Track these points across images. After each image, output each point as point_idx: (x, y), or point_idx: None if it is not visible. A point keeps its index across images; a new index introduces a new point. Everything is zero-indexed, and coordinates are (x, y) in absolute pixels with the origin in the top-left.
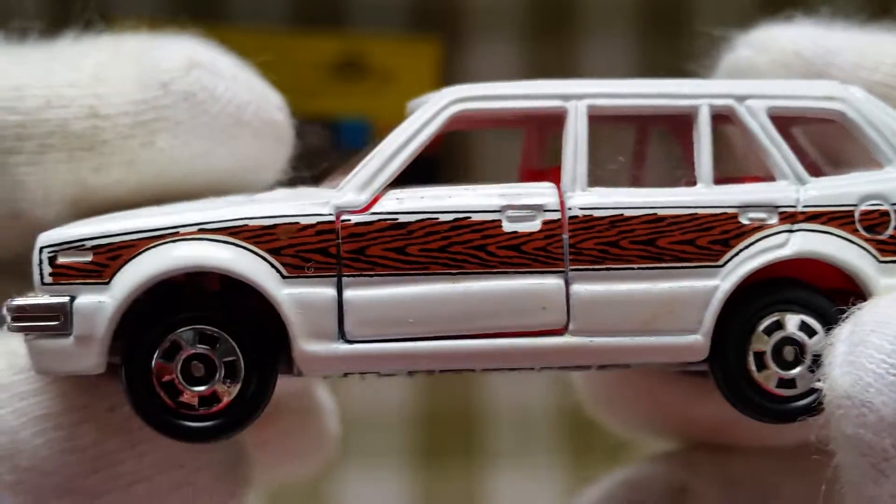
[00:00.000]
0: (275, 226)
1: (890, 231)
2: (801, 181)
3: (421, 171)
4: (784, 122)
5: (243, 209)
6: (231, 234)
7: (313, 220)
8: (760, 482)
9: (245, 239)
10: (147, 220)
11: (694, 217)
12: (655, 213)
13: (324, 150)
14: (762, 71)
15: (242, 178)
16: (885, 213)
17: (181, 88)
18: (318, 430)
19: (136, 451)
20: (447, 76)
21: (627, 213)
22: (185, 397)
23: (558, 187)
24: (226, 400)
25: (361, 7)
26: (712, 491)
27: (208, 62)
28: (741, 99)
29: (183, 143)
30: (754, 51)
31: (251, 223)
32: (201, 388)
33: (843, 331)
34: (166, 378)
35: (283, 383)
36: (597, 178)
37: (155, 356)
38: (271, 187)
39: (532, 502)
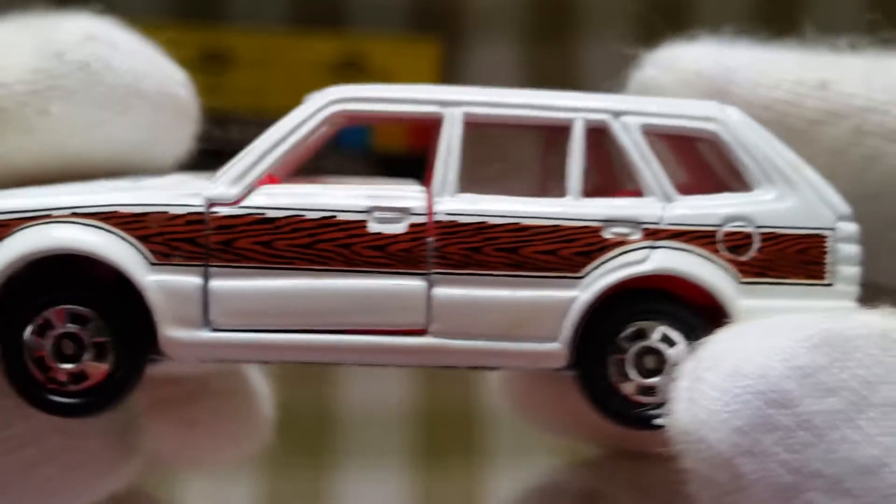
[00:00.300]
0: (145, 214)
1: (752, 253)
2: (668, 199)
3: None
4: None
5: (119, 195)
6: (102, 220)
7: (183, 211)
8: (673, 489)
9: (115, 224)
10: (22, 200)
11: (557, 228)
12: (519, 223)
13: (323, 149)
14: (667, 89)
15: (144, 151)
16: (748, 236)
17: (76, 58)
18: (250, 413)
19: (22, 413)
20: (447, 76)
21: (492, 220)
22: (54, 373)
23: (429, 191)
24: (94, 379)
25: (361, 7)
26: (624, 498)
27: (105, 35)
28: (616, 115)
29: (78, 111)
30: (659, 70)
31: (122, 210)
32: (70, 366)
33: (687, 366)
34: (38, 354)
35: (213, 365)
36: (481, 182)
37: (27, 332)
38: (165, 172)
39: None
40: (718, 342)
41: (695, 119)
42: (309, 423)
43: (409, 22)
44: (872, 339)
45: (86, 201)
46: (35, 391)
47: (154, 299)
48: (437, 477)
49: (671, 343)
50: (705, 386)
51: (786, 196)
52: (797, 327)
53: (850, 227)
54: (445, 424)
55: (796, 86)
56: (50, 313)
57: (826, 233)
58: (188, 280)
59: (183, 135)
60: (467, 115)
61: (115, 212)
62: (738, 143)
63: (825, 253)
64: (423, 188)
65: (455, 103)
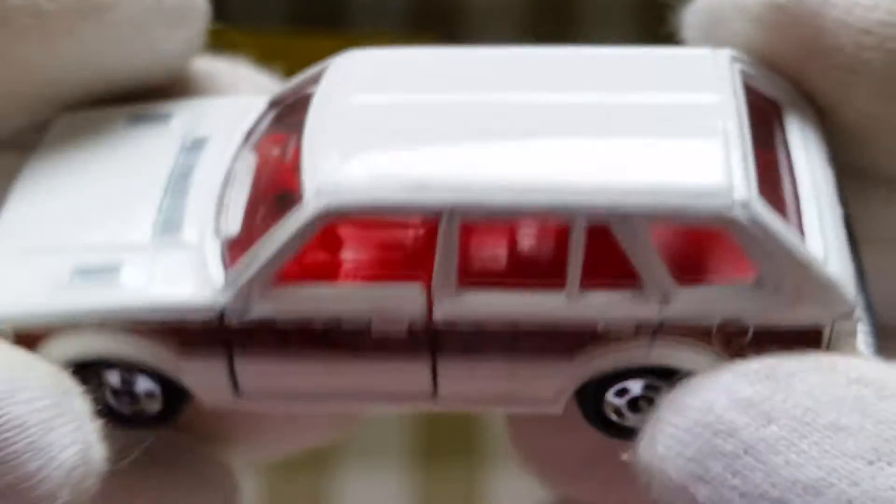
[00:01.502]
0: (163, 322)
1: (746, 345)
2: (666, 296)
3: None
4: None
5: (135, 298)
6: (127, 329)
7: (198, 318)
8: None
9: (140, 333)
10: (46, 307)
11: (554, 326)
12: (516, 326)
13: None
14: (753, 11)
15: (169, 64)
16: (744, 330)
17: None
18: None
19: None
20: None
21: (490, 326)
22: (121, 408)
23: (429, 292)
24: (151, 413)
25: (361, 7)
26: None
27: None
28: (621, 217)
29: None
30: None
31: (143, 318)
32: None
33: (654, 412)
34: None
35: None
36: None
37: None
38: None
39: (532, 502)
40: (680, 387)
41: (707, 211)
42: None
43: (410, 21)
44: (818, 371)
45: (108, 309)
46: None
47: (188, 383)
48: (437, 477)
49: (657, 388)
50: (662, 423)
51: (788, 290)
52: (744, 364)
53: (850, 324)
54: (445, 425)
55: None
56: (106, 377)
57: (825, 329)
58: (215, 366)
59: (197, 43)
60: (465, 219)
61: (137, 322)
62: (749, 236)
63: (820, 346)
64: (423, 289)
65: (451, 208)
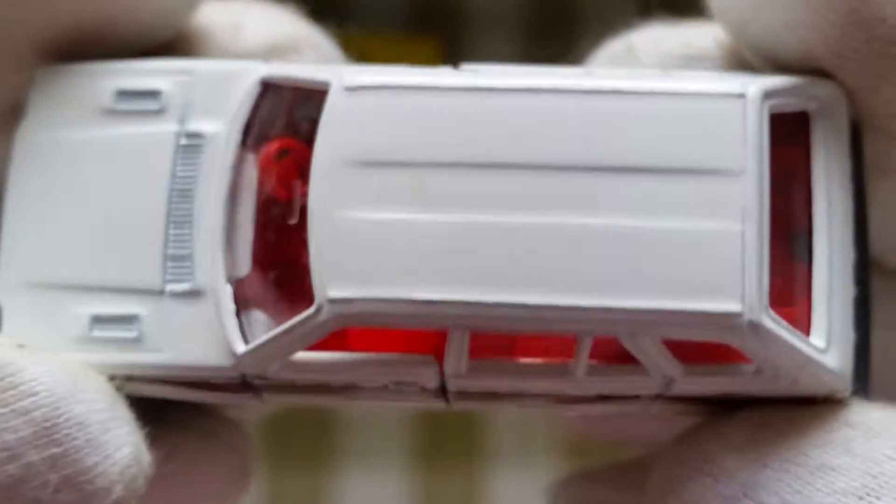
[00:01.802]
0: (195, 378)
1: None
2: (669, 384)
3: None
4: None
5: (165, 357)
6: (166, 383)
7: (223, 380)
8: None
9: (178, 384)
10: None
11: (558, 398)
12: (522, 398)
13: None
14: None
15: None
16: (742, 397)
17: None
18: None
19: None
20: None
21: (498, 391)
22: None
23: (442, 370)
24: None
25: (361, 7)
26: None
27: None
28: (630, 332)
29: None
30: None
31: (180, 376)
32: None
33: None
34: None
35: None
36: None
37: None
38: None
39: (532, 502)
40: (679, 436)
41: (715, 333)
42: (309, 423)
43: (410, 22)
44: (808, 416)
45: (131, 365)
46: None
47: (213, 400)
48: (437, 477)
49: None
50: (662, 471)
51: (786, 378)
52: (738, 413)
53: (850, 388)
54: (445, 424)
55: None
56: None
57: (818, 397)
58: (241, 398)
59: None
60: (471, 330)
61: (159, 378)
62: (754, 349)
63: (811, 403)
64: (436, 363)
65: (455, 320)
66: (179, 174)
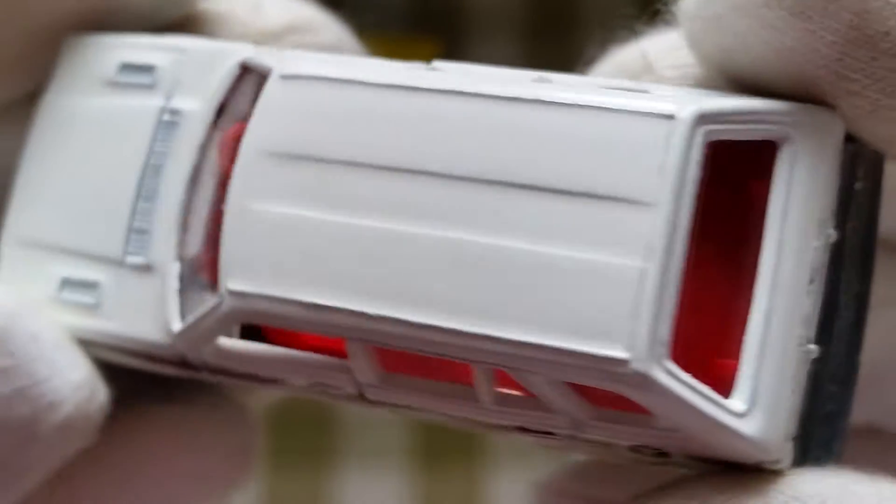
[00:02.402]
0: (133, 351)
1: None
2: (579, 427)
3: None
4: None
5: None
6: None
7: (162, 354)
8: None
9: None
10: None
11: (477, 423)
12: (444, 415)
13: None
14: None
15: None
16: (663, 453)
17: None
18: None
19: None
20: None
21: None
22: None
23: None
24: None
25: (361, 7)
26: None
27: None
28: (512, 365)
29: None
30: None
31: (112, 346)
32: None
33: None
34: None
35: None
36: None
37: None
38: None
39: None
40: None
41: (599, 373)
42: (309, 423)
43: (410, 22)
44: (754, 493)
45: (86, 330)
46: None
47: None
48: (437, 477)
49: None
50: None
51: (700, 441)
52: (681, 491)
53: (783, 459)
54: (445, 424)
55: None
56: None
57: (748, 464)
58: (185, 373)
59: None
60: (375, 345)
61: (108, 346)
62: (650, 402)
63: (743, 465)
64: (348, 368)
65: (361, 333)
66: (156, 149)
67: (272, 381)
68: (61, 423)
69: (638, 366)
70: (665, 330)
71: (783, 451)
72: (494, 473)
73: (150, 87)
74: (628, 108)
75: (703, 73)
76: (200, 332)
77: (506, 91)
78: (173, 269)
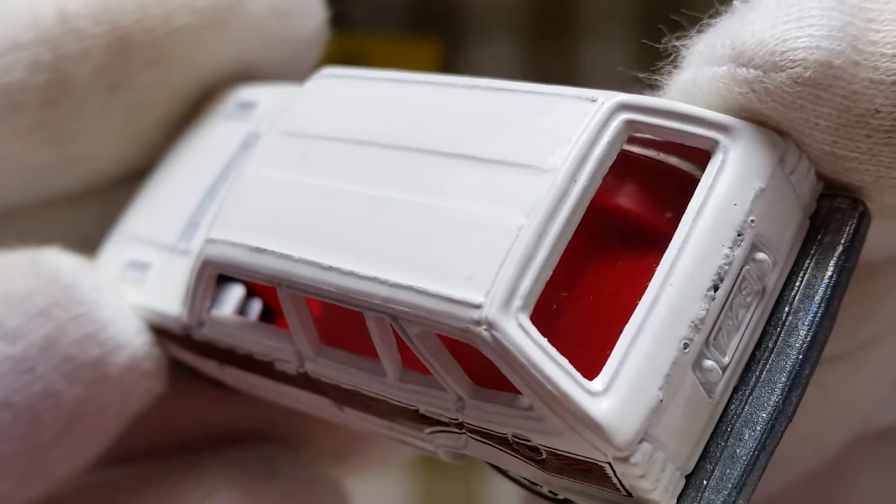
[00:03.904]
0: (160, 326)
1: (545, 458)
2: (461, 404)
3: None
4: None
5: None
6: None
7: (176, 329)
8: None
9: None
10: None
11: (386, 403)
12: (362, 393)
13: None
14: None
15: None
16: (536, 448)
17: None
18: None
19: None
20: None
21: (343, 387)
22: None
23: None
24: None
25: (361, 7)
26: None
27: None
28: (395, 319)
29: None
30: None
31: (149, 321)
32: None
33: None
34: None
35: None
36: None
37: None
38: None
39: None
40: None
41: (455, 324)
42: None
43: (410, 22)
44: None
45: (135, 305)
46: None
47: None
48: (437, 479)
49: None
50: None
51: (549, 420)
52: None
53: (636, 458)
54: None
55: None
56: None
57: (605, 467)
58: (189, 358)
59: None
60: (291, 291)
61: (147, 321)
62: (496, 356)
63: (609, 477)
64: (289, 335)
65: (277, 280)
66: (232, 161)
67: (247, 359)
68: (128, 362)
69: (489, 312)
70: (527, 286)
71: (637, 451)
72: (494, 475)
73: (248, 118)
74: (559, 93)
75: None
76: (194, 296)
77: (459, 80)
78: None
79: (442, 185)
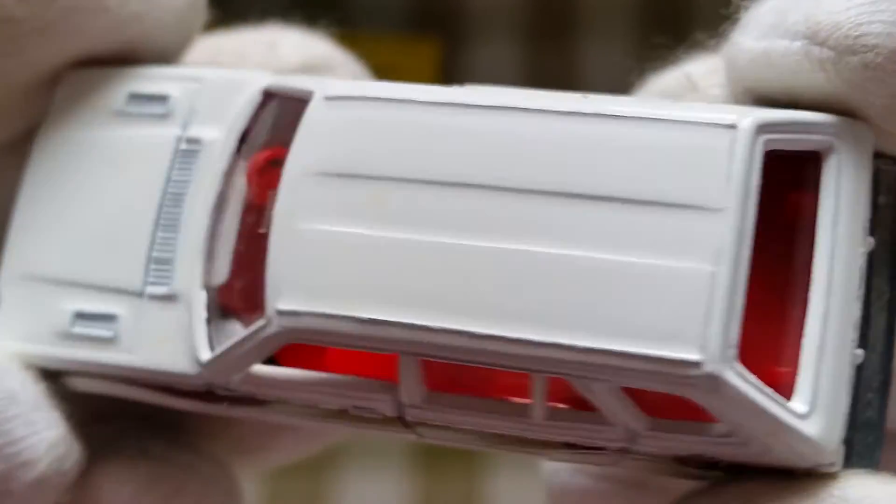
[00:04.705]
0: (153, 382)
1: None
2: (633, 438)
3: None
4: None
5: None
6: None
7: (186, 384)
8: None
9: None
10: (59, 352)
11: (519, 440)
12: (487, 435)
13: None
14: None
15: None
16: (715, 462)
17: None
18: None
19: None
20: (447, 76)
21: (458, 427)
22: None
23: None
24: None
25: (361, 7)
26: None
27: None
28: (579, 373)
29: None
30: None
31: (134, 379)
32: None
33: None
34: None
35: None
36: None
37: None
38: None
39: (532, 503)
40: None
41: (670, 377)
42: None
43: (410, 22)
44: (801, 495)
45: (105, 363)
46: None
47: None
48: (437, 478)
49: None
50: None
51: (758, 445)
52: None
53: (836, 460)
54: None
55: None
56: None
57: (799, 469)
58: (203, 406)
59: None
60: (419, 355)
61: (129, 379)
62: (718, 408)
63: (795, 471)
64: (394, 390)
65: (405, 344)
66: (174, 178)
67: (306, 412)
68: (34, 480)
69: (711, 368)
70: (735, 333)
71: (837, 454)
72: (494, 473)
73: (163, 117)
74: (689, 119)
75: (738, 92)
76: (235, 358)
77: (563, 106)
78: (200, 298)
79: (590, 233)
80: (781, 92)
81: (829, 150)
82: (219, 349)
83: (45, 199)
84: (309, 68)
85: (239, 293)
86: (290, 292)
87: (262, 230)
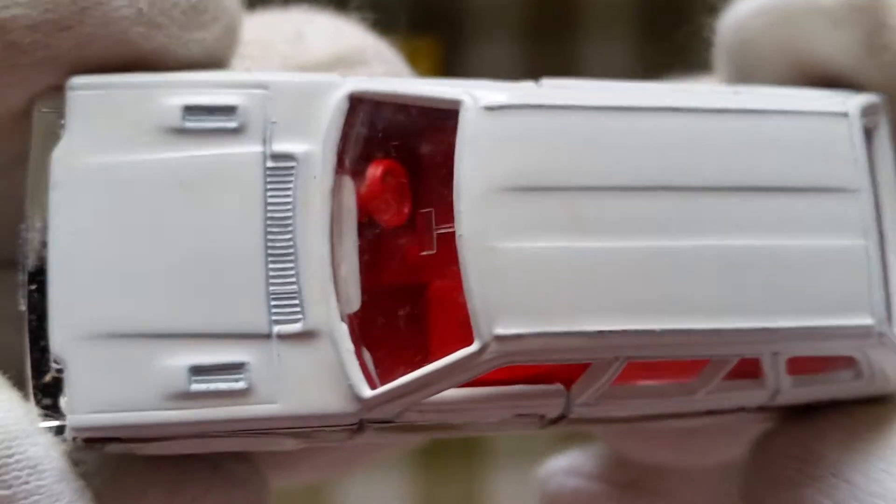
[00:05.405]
0: (296, 430)
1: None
2: (778, 391)
3: None
4: None
5: None
6: None
7: (337, 425)
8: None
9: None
10: (177, 416)
11: (663, 415)
12: (635, 418)
13: None
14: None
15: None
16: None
17: None
18: None
19: None
20: (447, 75)
21: (616, 417)
22: None
23: (568, 397)
24: None
25: (361, 7)
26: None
27: None
28: (775, 350)
29: None
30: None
31: (276, 428)
32: None
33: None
34: None
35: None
36: None
37: None
38: None
39: (532, 502)
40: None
41: (848, 341)
42: None
43: (410, 22)
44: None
45: (241, 418)
46: None
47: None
48: (437, 478)
49: None
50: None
51: (881, 378)
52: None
53: None
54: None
55: None
56: None
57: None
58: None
59: None
60: (638, 359)
61: (271, 428)
62: (875, 357)
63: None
64: (566, 393)
65: (630, 350)
66: (272, 201)
67: (457, 427)
68: None
69: (881, 328)
70: (890, 294)
71: None
72: (494, 473)
73: (236, 131)
74: (809, 110)
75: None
76: (421, 388)
77: (718, 103)
78: (342, 332)
79: (768, 223)
80: (778, 52)
81: (880, 125)
82: (397, 381)
83: (93, 241)
84: (339, 62)
85: (373, 321)
86: (507, 315)
87: (427, 252)
